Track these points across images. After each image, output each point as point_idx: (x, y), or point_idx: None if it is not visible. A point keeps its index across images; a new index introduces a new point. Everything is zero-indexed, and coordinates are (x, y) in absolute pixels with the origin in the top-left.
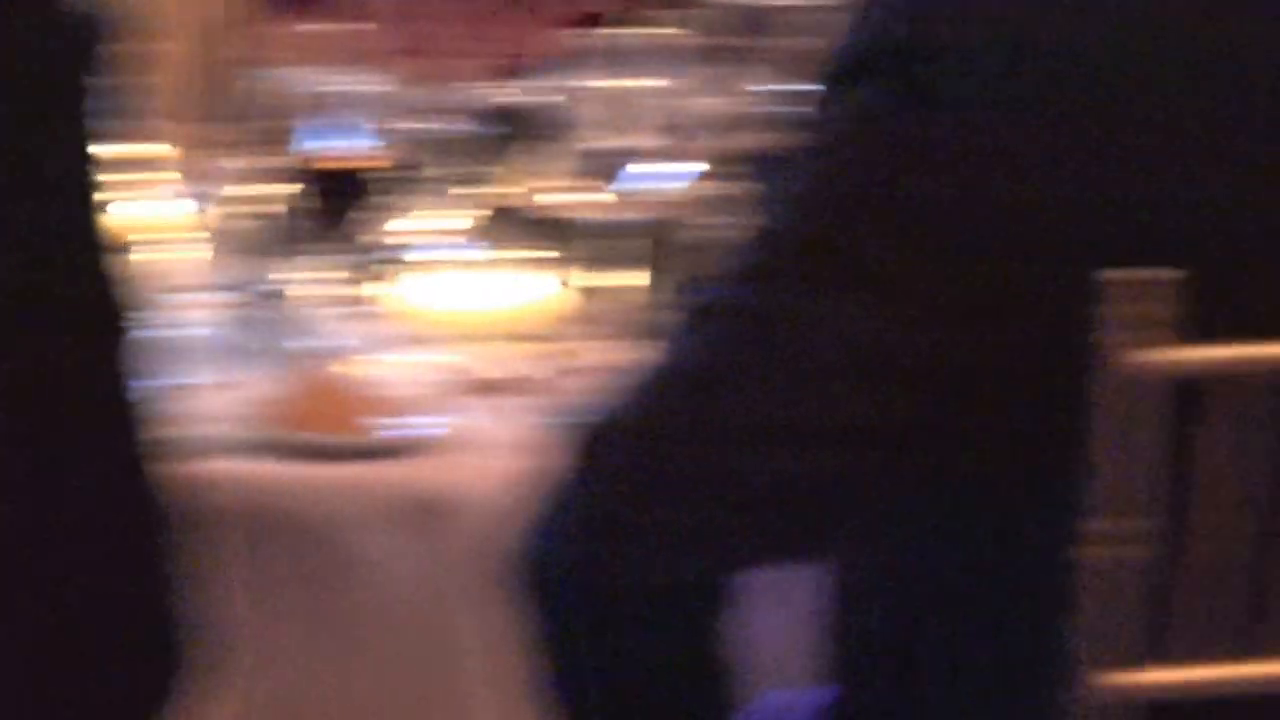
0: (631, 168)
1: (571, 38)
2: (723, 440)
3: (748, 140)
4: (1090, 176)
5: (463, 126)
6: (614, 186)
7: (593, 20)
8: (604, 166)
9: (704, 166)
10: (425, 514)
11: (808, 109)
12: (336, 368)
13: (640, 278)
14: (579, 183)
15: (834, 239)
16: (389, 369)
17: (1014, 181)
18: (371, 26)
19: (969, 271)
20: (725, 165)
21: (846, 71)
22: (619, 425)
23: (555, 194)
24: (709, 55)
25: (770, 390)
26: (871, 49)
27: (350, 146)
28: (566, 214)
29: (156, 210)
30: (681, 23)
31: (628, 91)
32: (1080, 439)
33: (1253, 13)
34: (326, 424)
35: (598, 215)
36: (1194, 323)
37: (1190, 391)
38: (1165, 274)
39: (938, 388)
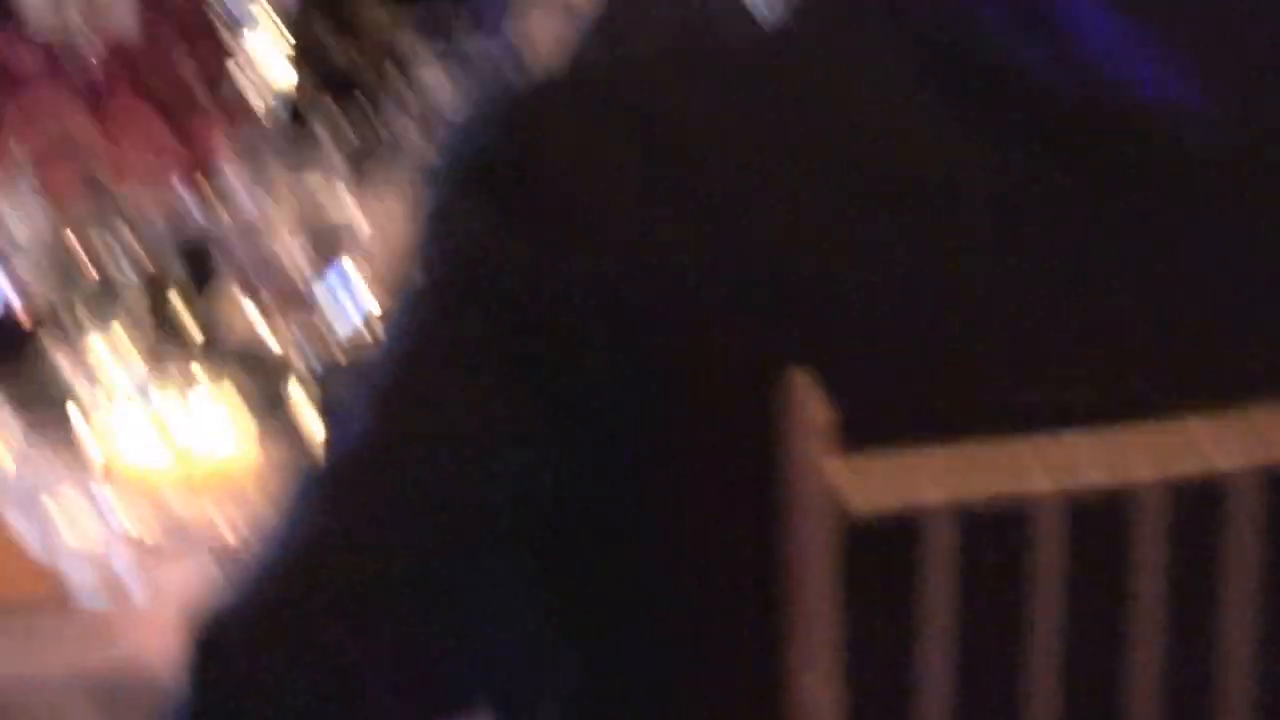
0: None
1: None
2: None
3: None
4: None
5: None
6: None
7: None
8: (292, 292)
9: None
10: (119, 683)
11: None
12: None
13: None
14: (271, 313)
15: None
16: (82, 522)
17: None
18: None
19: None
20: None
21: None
22: (232, 615)
23: (248, 327)
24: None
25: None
26: (467, 160)
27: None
28: (260, 350)
29: None
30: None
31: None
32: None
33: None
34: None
35: (294, 351)
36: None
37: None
38: (809, 373)
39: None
